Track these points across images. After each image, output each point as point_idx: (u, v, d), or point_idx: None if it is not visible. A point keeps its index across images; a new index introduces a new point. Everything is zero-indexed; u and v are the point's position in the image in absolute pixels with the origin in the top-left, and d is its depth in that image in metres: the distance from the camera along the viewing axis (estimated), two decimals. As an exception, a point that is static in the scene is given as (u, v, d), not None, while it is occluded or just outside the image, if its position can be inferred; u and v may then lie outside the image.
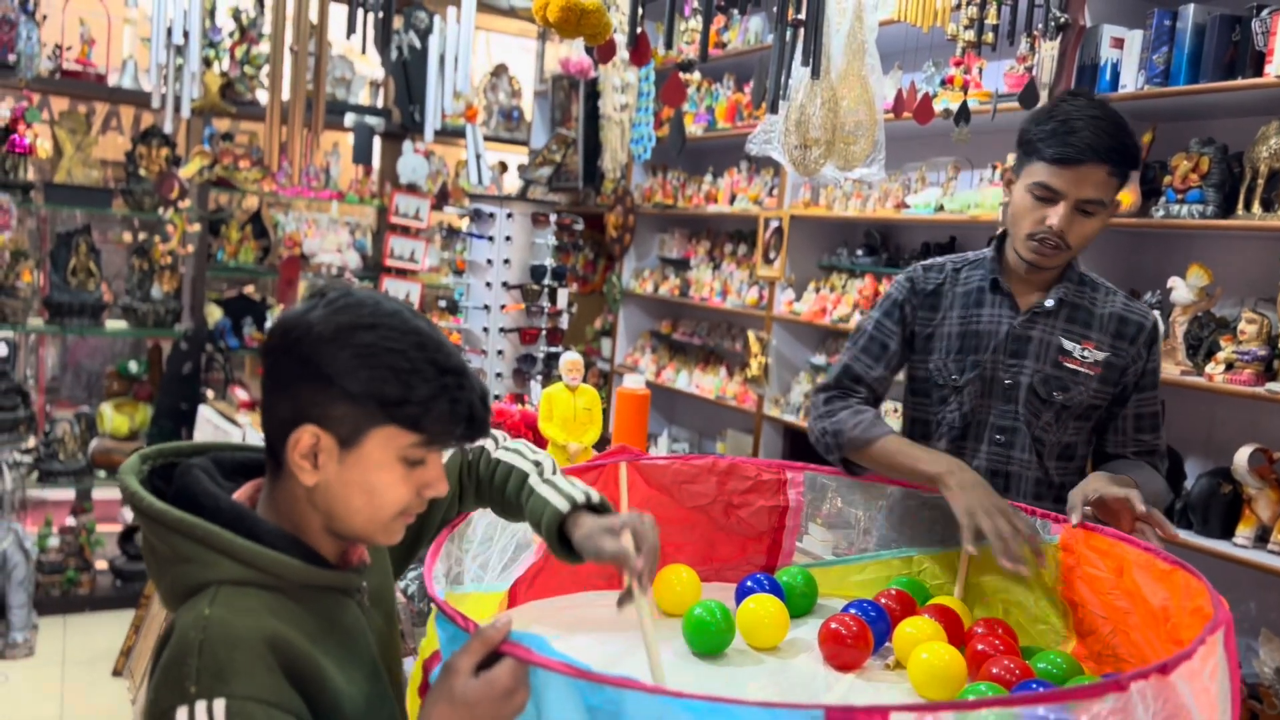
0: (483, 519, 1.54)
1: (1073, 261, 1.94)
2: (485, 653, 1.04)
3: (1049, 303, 1.90)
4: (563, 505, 1.30)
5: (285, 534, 1.11)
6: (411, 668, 1.35)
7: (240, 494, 1.16)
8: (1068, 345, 1.89)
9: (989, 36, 2.84)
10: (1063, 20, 3.02)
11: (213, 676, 0.98)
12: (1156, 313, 2.92)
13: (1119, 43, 3.04)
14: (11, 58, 4.50)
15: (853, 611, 1.59)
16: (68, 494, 4.80)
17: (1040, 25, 3.03)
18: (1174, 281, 2.90)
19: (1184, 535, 2.83)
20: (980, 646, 1.50)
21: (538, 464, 1.39)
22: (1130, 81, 3.01)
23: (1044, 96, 3.11)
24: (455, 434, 1.10)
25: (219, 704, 0.97)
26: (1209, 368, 2.81)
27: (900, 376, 2.08)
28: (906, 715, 0.92)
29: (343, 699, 1.08)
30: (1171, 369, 2.88)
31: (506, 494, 1.38)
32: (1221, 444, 2.99)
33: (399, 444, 1.08)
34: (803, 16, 2.48)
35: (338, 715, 1.08)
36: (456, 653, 1.06)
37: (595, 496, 1.33)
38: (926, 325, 1.99)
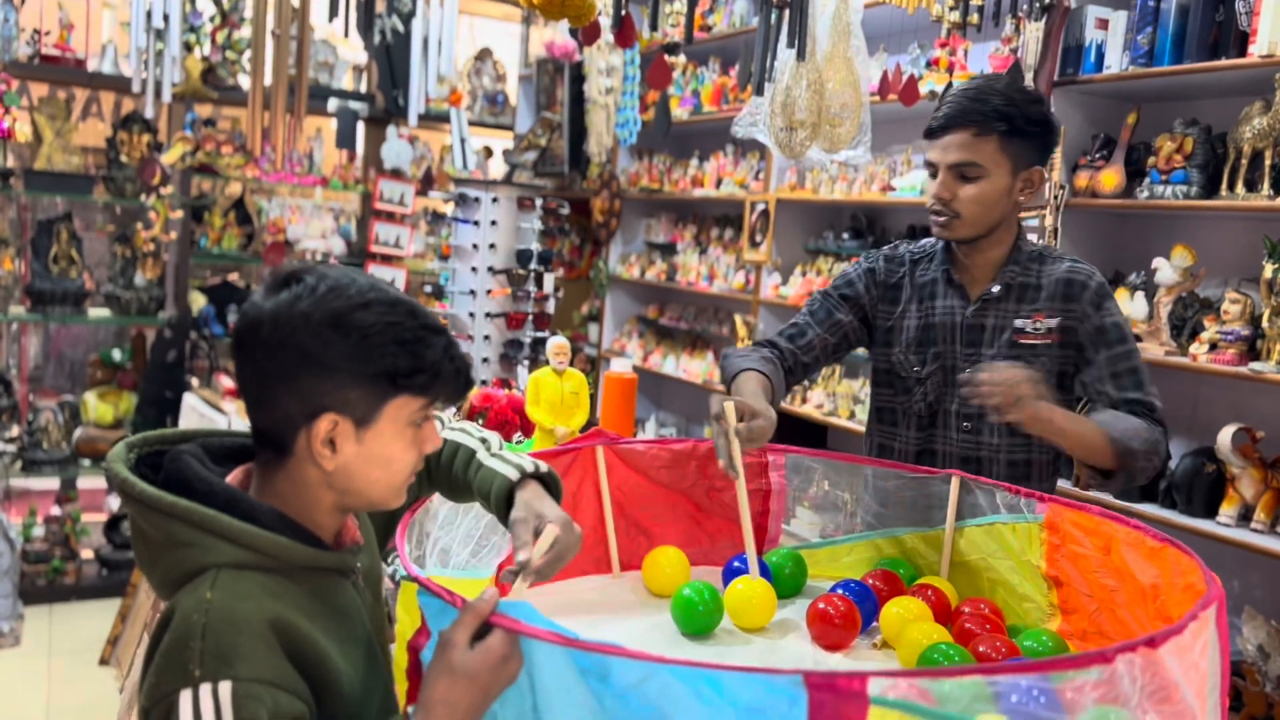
0: (442, 505, 1.53)
1: (1019, 243, 1.96)
2: (478, 624, 1.05)
3: (995, 288, 1.94)
4: (513, 474, 1.30)
5: (281, 516, 1.11)
6: (394, 650, 1.35)
7: (232, 478, 1.16)
8: (1019, 323, 1.92)
9: (974, 18, 2.84)
10: (1047, 1, 3.02)
11: (217, 659, 0.98)
12: (1142, 300, 2.94)
13: (1104, 23, 3.04)
14: (-11, 43, 4.45)
15: (840, 592, 1.59)
16: (52, 483, 4.78)
17: (1025, 6, 3.04)
18: (1158, 262, 2.91)
19: (1168, 515, 2.85)
20: (967, 625, 1.51)
21: (484, 440, 1.39)
22: (1115, 62, 3.01)
23: (1029, 78, 3.11)
24: (456, 390, 1.14)
25: (224, 686, 0.97)
26: (1193, 348, 2.82)
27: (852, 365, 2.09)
28: (884, 680, 0.93)
29: (342, 678, 1.09)
30: (1155, 349, 2.89)
31: (454, 471, 1.38)
32: (1205, 424, 3.01)
33: (409, 410, 1.11)
34: (788, -2, 2.47)
35: (338, 694, 1.08)
36: (449, 627, 1.06)
37: (543, 467, 1.33)
38: (887, 318, 2.03)
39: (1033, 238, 3.09)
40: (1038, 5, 3.02)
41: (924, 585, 1.64)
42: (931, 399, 1.98)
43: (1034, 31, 3.08)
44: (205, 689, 0.97)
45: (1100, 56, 3.04)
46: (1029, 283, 1.93)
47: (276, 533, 1.09)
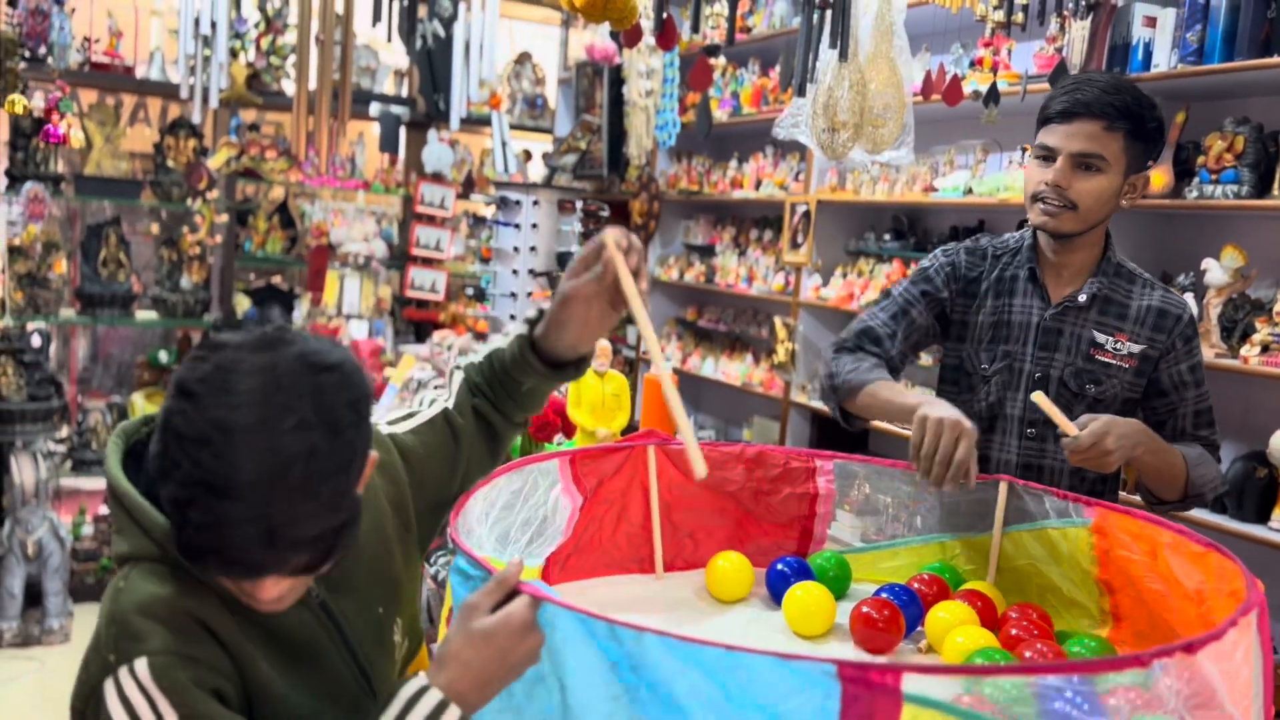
0: (504, 491, 1.53)
1: (1109, 252, 1.91)
2: (502, 594, 1.04)
3: (1081, 297, 1.88)
4: (522, 328, 1.32)
5: None
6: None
7: None
8: (1100, 338, 1.87)
9: (1018, 17, 2.81)
10: (1094, -1, 2.98)
11: (129, 640, 0.97)
12: (1192, 301, 2.89)
13: (1151, 21, 2.99)
14: (44, 49, 4.54)
15: (885, 596, 1.58)
16: (101, 483, 4.86)
17: (1070, 4, 3.00)
18: (1208, 263, 2.86)
19: (1219, 520, 2.80)
20: (1014, 631, 1.49)
21: (475, 353, 1.42)
22: (1163, 61, 2.96)
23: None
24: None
25: (140, 664, 0.96)
26: (1244, 350, 2.77)
27: (928, 362, 2.08)
28: (919, 676, 0.92)
29: (287, 701, 1.06)
30: (1206, 351, 2.84)
31: (485, 383, 1.36)
32: (1257, 427, 2.95)
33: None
34: (830, -2, 2.46)
35: (272, 700, 1.05)
36: (474, 593, 1.06)
37: (533, 313, 1.34)
38: (964, 312, 1.97)
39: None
40: (1084, 3, 2.98)
41: (970, 590, 1.63)
42: (994, 399, 1.93)
43: (1080, 30, 3.04)
44: (123, 671, 0.96)
45: (1148, 55, 3.00)
46: (1115, 297, 1.89)
47: None
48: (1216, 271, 2.83)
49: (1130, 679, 0.95)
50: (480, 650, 1.01)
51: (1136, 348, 1.87)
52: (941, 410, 1.65)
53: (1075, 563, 1.61)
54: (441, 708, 1.00)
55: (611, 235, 1.21)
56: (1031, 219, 1.89)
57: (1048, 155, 1.84)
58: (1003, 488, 1.71)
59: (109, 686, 0.96)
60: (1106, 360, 1.86)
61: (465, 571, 1.14)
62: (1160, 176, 2.97)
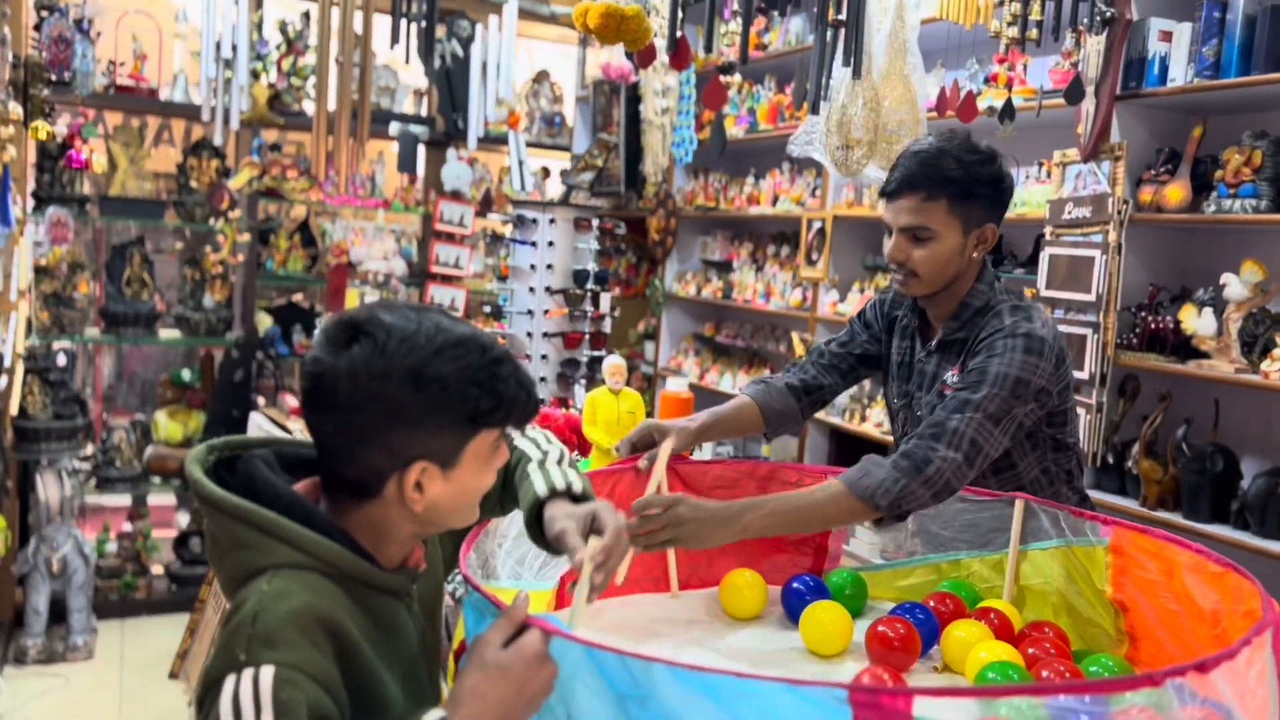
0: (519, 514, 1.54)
1: (968, 297, 1.91)
2: (513, 629, 1.07)
3: (932, 343, 1.98)
4: (542, 490, 1.30)
5: (341, 529, 1.12)
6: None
7: (300, 487, 1.17)
8: (947, 376, 1.93)
9: (1033, 32, 2.81)
10: (1109, 14, 2.98)
11: (263, 644, 0.99)
12: (1210, 317, 2.87)
13: (1167, 36, 2.99)
14: (68, 75, 4.61)
15: (901, 614, 1.58)
16: (124, 500, 4.90)
17: (1085, 20, 3.00)
18: (1227, 277, 2.84)
19: (1240, 536, 2.77)
20: (1031, 650, 1.49)
21: (545, 453, 1.38)
22: (1179, 75, 2.96)
23: (1090, 92, 3.07)
24: (527, 415, 1.17)
25: (266, 671, 0.97)
26: (1264, 365, 2.75)
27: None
28: (930, 699, 0.92)
29: (389, 696, 1.10)
30: (1225, 367, 2.83)
31: (511, 479, 1.38)
32: (1279, 443, 2.93)
33: (487, 442, 1.14)
34: (844, 16, 2.47)
35: (385, 712, 1.09)
36: (485, 629, 1.08)
37: (578, 486, 1.32)
38: (887, 349, 2.11)
39: (1092, 254, 3.05)
40: (1099, 18, 2.98)
41: (986, 609, 1.62)
42: (901, 433, 2.06)
43: (1095, 45, 3.04)
44: (247, 673, 0.97)
45: (1164, 69, 2.99)
46: (962, 338, 1.92)
47: (334, 542, 1.10)
48: (1236, 286, 2.82)
49: (1143, 699, 0.94)
50: (497, 684, 1.03)
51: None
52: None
53: (1090, 582, 1.61)
54: None
55: (589, 550, 1.21)
56: (895, 286, 1.99)
57: (888, 229, 1.93)
58: (1019, 505, 1.71)
59: (229, 682, 0.98)
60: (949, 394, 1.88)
61: (477, 606, 1.16)
62: (1178, 191, 2.96)
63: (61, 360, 4.37)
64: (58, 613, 4.20)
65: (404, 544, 1.17)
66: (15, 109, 2.79)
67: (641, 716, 0.99)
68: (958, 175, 1.84)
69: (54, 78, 3.32)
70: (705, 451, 5.01)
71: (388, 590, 1.16)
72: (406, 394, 1.07)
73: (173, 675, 3.98)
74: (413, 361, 1.07)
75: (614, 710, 1.00)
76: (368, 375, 1.07)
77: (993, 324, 1.85)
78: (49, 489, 4.16)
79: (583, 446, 2.40)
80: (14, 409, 3.91)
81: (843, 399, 4.31)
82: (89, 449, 4.71)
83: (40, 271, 4.44)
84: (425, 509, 1.13)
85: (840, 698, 0.92)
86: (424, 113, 5.84)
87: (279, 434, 3.97)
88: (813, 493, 1.69)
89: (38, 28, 3.99)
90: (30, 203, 4.36)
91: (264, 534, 1.08)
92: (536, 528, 1.31)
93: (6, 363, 3.54)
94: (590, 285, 2.86)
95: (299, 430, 3.99)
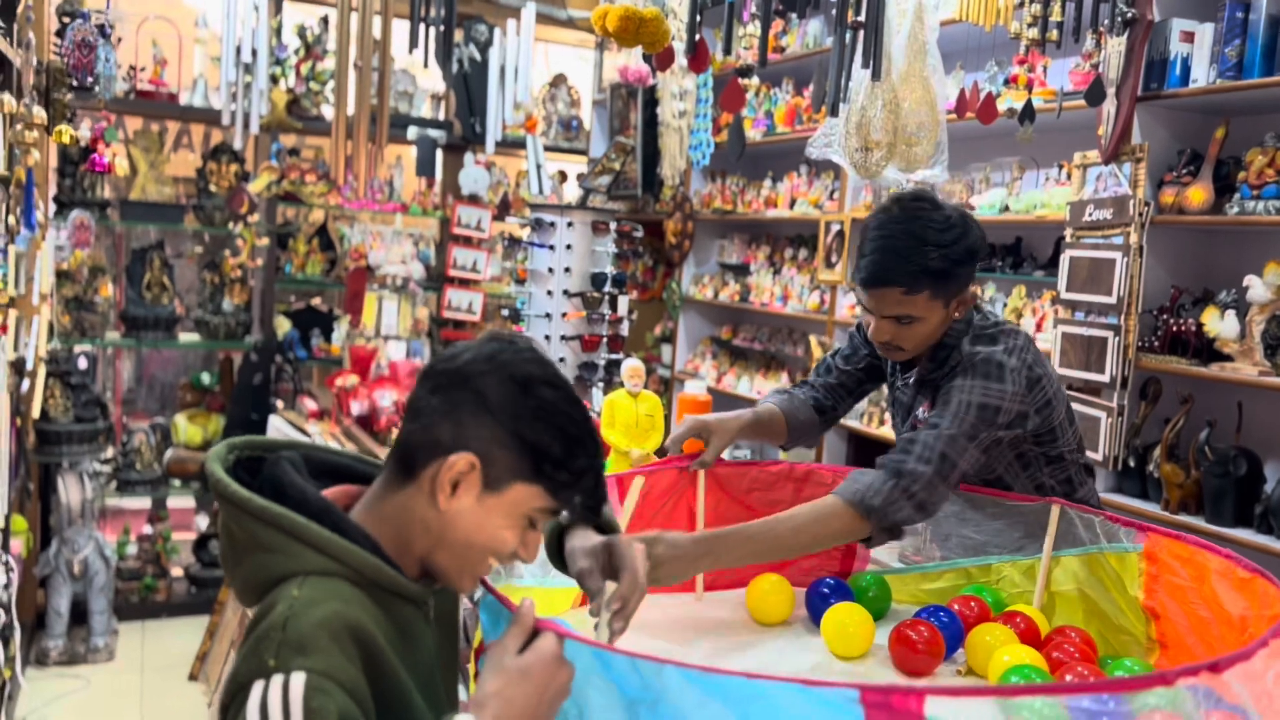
0: None
1: (947, 337, 1.88)
2: (525, 634, 1.08)
3: (911, 379, 1.98)
4: (563, 516, 1.27)
5: (370, 539, 1.11)
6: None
7: (328, 494, 1.17)
8: (919, 412, 1.94)
9: (1053, 34, 2.79)
10: (1130, 15, 2.96)
11: (294, 650, 0.98)
12: (1233, 319, 2.84)
13: (1189, 36, 2.97)
14: (90, 80, 4.64)
15: (925, 617, 1.57)
16: (144, 503, 4.94)
17: (1106, 21, 2.98)
18: (1250, 280, 2.82)
19: (1265, 540, 2.74)
20: (1056, 654, 1.48)
21: None
22: (1201, 76, 2.93)
23: (1110, 94, 3.05)
24: (584, 507, 1.15)
25: (297, 678, 0.96)
26: (1289, 368, 2.73)
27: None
28: (942, 699, 0.91)
29: (415, 708, 1.09)
30: (1249, 370, 2.80)
31: None
32: (1303, 446, 2.90)
33: (533, 504, 1.12)
34: (863, 18, 2.46)
35: (413, 716, 1.09)
36: (501, 635, 1.09)
37: (602, 514, 1.28)
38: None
39: (1113, 256, 3.03)
40: (1120, 19, 2.96)
41: (1013, 613, 1.61)
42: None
43: (1116, 46, 3.02)
44: (277, 680, 0.96)
45: (1186, 70, 2.97)
46: (934, 377, 1.89)
47: (363, 549, 1.09)
48: (1259, 288, 2.79)
49: (1156, 699, 0.94)
50: (520, 686, 1.04)
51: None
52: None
53: (1123, 588, 1.59)
54: None
55: (606, 596, 1.24)
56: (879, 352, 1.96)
57: (868, 309, 1.86)
58: (1054, 511, 1.70)
59: (257, 688, 0.96)
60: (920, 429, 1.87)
61: (491, 609, 1.17)
62: (1200, 193, 2.94)
63: (82, 364, 4.40)
64: (79, 614, 4.23)
65: (414, 560, 1.14)
66: (39, 113, 2.81)
67: (644, 701, 1.00)
68: (940, 267, 1.76)
69: (76, 83, 3.35)
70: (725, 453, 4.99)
71: (410, 599, 1.15)
72: (506, 390, 1.09)
73: (192, 677, 4.00)
74: (531, 372, 1.10)
75: (626, 716, 1.00)
76: (489, 359, 1.10)
77: (954, 358, 1.84)
78: (70, 492, 4.18)
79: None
80: (36, 412, 3.93)
81: (860, 403, 4.29)
82: (109, 452, 4.74)
83: (62, 275, 4.48)
84: (446, 515, 1.10)
85: (852, 698, 0.91)
86: (442, 117, 5.86)
87: (299, 437, 3.98)
88: (796, 513, 1.65)
89: (59, 33, 4.02)
90: (52, 207, 4.39)
91: (292, 539, 1.07)
92: (557, 553, 1.32)
93: (29, 366, 3.56)
94: (608, 288, 2.85)
95: (317, 434, 4.01)
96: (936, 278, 1.77)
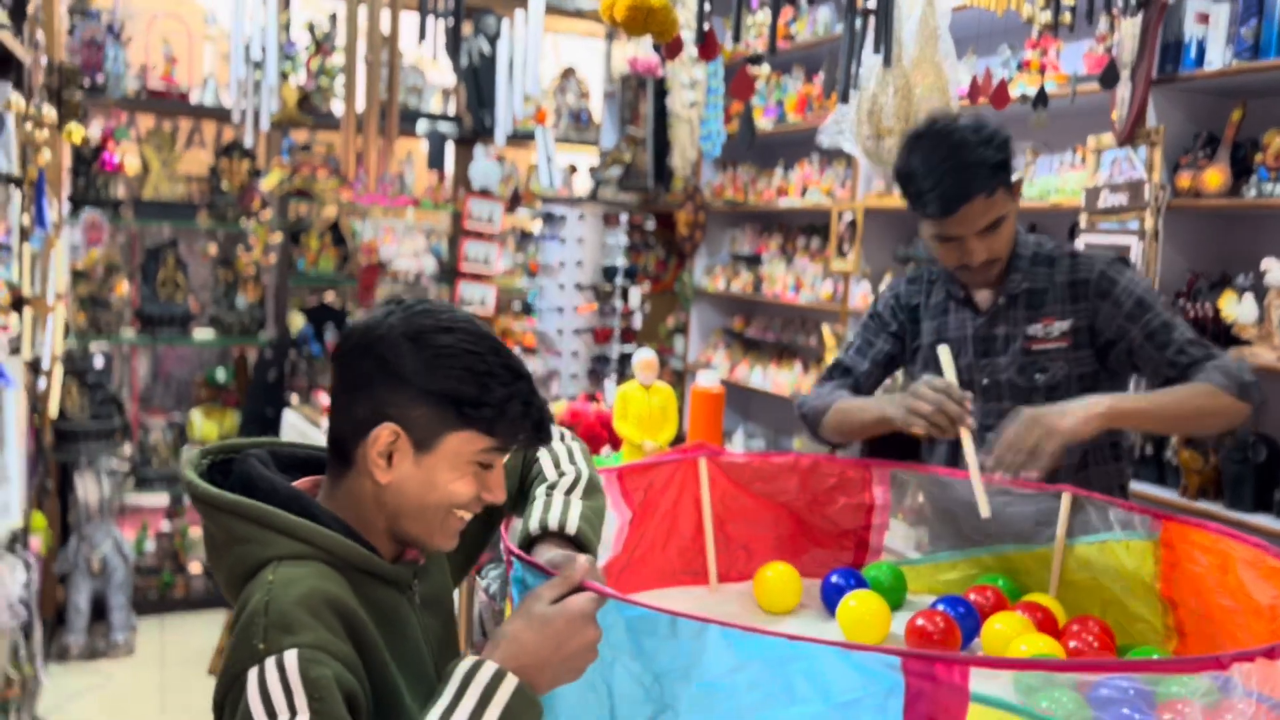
0: None
1: (1017, 248, 1.95)
2: (566, 589, 1.07)
3: (1002, 300, 1.95)
4: (534, 525, 1.24)
5: (341, 521, 1.12)
6: None
7: (298, 484, 1.18)
8: (1031, 329, 1.93)
9: (1066, 17, 2.77)
10: (1144, -3, 2.92)
11: (280, 630, 0.98)
12: (1251, 303, 2.82)
13: (1204, 17, 2.93)
14: (100, 79, 4.66)
15: (941, 608, 1.56)
16: (162, 499, 4.97)
17: (1120, 2, 2.94)
18: (1269, 263, 2.79)
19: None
20: (1073, 644, 1.46)
21: (561, 474, 1.33)
22: (1217, 58, 2.90)
23: (1125, 77, 3.02)
24: (524, 438, 1.14)
25: (289, 655, 0.97)
26: (1309, 352, 2.70)
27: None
28: (987, 668, 0.90)
29: (401, 687, 1.10)
30: (1268, 354, 2.77)
31: (525, 488, 1.35)
32: (1324, 431, 2.87)
33: (474, 448, 1.11)
34: (873, 4, 2.44)
35: (396, 699, 1.08)
36: (539, 586, 1.08)
37: (573, 528, 1.24)
38: (915, 338, 2.09)
39: (1129, 241, 3.00)
40: (1133, 1, 2.93)
41: (1030, 603, 1.60)
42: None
43: (1130, 28, 2.99)
44: (270, 661, 0.97)
45: (1201, 52, 2.94)
46: (1036, 288, 1.94)
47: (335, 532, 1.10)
48: (1277, 272, 2.77)
49: (1205, 684, 0.92)
50: (537, 631, 1.04)
51: (1065, 324, 1.92)
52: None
53: (1138, 577, 1.58)
54: (498, 678, 1.02)
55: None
56: (962, 280, 1.97)
57: (952, 239, 1.88)
58: (1065, 499, 1.68)
59: (252, 675, 0.97)
60: (1044, 347, 1.92)
61: (525, 581, 1.15)
62: (1216, 176, 2.91)
63: (99, 362, 4.42)
64: (99, 610, 4.26)
65: (383, 538, 1.15)
66: (50, 113, 2.82)
67: (682, 694, 0.98)
68: (999, 158, 1.83)
69: (86, 82, 3.36)
70: (737, 444, 4.99)
71: (389, 580, 1.15)
72: (401, 349, 1.09)
73: (212, 671, 4.03)
74: (422, 324, 1.10)
75: (654, 687, 1.00)
76: (377, 327, 1.10)
77: (1073, 269, 1.92)
78: (88, 489, 4.21)
79: (613, 441, 2.40)
80: (53, 411, 3.96)
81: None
82: (127, 449, 4.77)
83: (77, 274, 4.50)
84: (390, 488, 1.11)
85: (894, 665, 0.90)
86: (452, 111, 5.85)
87: (312, 432, 3.99)
88: (1177, 389, 1.79)
89: (70, 32, 4.03)
90: (66, 207, 4.41)
91: (263, 527, 1.08)
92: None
93: (45, 365, 3.58)
94: (619, 281, 2.85)
95: (332, 428, 4.01)
96: (1001, 169, 1.83)
